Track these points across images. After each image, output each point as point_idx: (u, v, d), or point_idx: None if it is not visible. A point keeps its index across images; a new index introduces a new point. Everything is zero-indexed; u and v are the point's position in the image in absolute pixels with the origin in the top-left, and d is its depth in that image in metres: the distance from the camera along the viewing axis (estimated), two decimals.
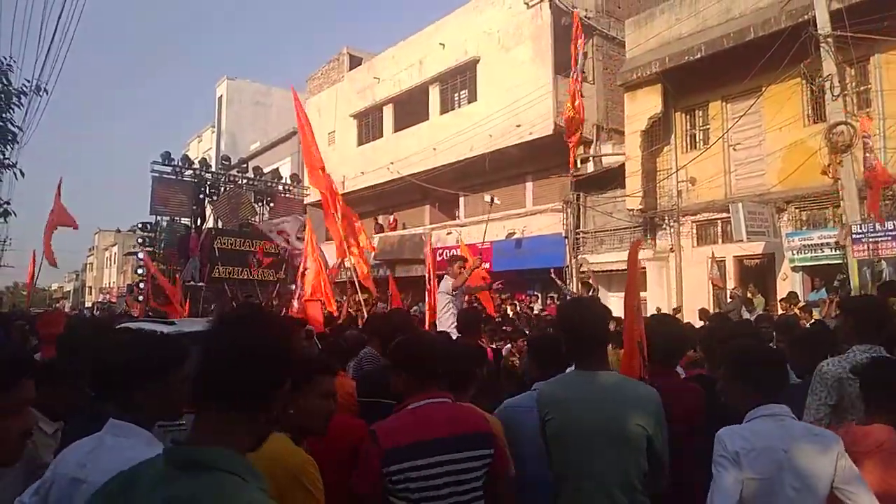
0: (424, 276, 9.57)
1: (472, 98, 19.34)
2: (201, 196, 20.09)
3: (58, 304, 55.62)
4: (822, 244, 11.72)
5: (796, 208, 12.63)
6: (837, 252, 10.92)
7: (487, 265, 12.00)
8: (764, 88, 12.45)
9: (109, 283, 56.40)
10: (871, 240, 9.47)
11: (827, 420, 2.78)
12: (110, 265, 59.45)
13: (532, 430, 2.52)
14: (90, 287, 65.37)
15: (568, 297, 14.02)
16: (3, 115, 10.43)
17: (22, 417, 1.42)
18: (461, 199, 20.92)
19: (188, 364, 1.91)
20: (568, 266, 16.46)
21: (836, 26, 9.87)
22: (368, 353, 4.37)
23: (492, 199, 11.78)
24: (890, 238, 9.35)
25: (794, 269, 12.34)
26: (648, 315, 4.61)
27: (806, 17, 10.53)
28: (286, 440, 1.89)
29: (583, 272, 16.21)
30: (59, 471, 1.71)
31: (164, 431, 2.09)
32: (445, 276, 7.10)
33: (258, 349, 1.23)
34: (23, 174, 11.52)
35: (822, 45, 9.77)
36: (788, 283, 12.28)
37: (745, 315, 10.57)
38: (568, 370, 2.71)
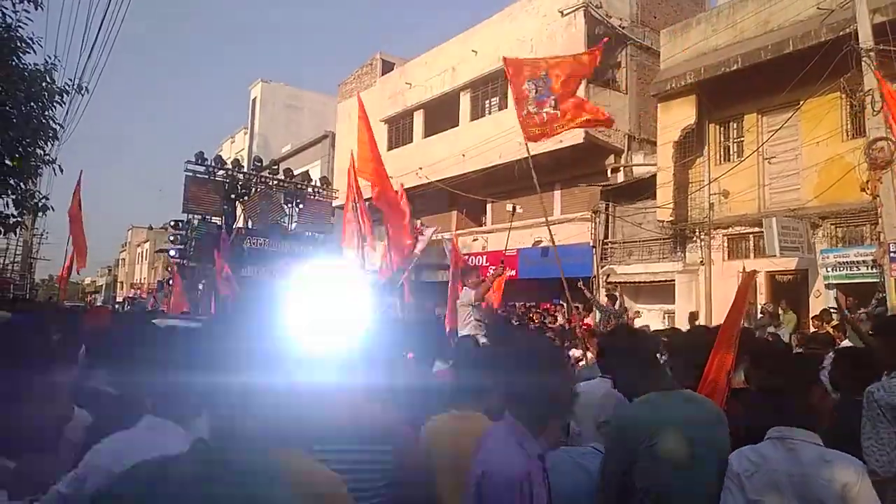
0: (446, 282, 9.61)
1: (503, 105, 19.33)
2: (233, 196, 20.39)
3: (89, 298, 56.90)
4: (858, 262, 11.44)
5: (832, 224, 12.36)
6: (874, 270, 10.65)
7: (513, 272, 11.97)
8: (802, 102, 12.23)
9: (140, 279, 57.47)
10: None
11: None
12: (142, 261, 60.60)
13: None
14: (122, 282, 66.72)
15: (596, 308, 13.91)
16: (45, 113, 10.68)
17: (54, 406, 1.45)
18: (488, 206, 20.91)
19: None
20: (595, 276, 16.33)
21: (878, 40, 9.66)
22: None
23: (514, 209, 11.81)
24: None
25: (829, 286, 12.07)
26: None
27: (847, 30, 10.33)
28: (308, 461, 1.86)
29: (609, 283, 16.06)
30: (94, 463, 1.74)
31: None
32: (466, 287, 7.15)
33: None
34: (62, 170, 11.79)
35: (863, 59, 9.56)
36: (822, 300, 12.01)
37: (772, 330, 10.38)
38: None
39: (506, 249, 12.25)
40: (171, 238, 19.99)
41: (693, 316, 12.91)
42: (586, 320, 13.39)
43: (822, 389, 2.27)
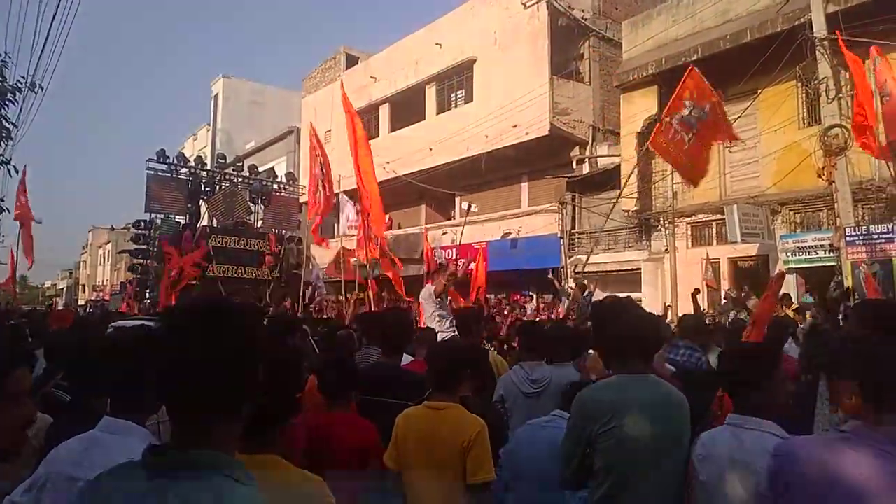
0: (420, 276, 9.67)
1: (469, 98, 19.36)
2: (197, 194, 20.03)
3: (51, 302, 55.38)
4: (816, 246, 11.76)
5: (790, 210, 12.68)
6: (831, 254, 10.96)
7: (472, 266, 12.03)
8: (760, 91, 12.47)
9: (103, 281, 56.14)
10: (864, 242, 9.51)
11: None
12: (104, 263, 59.18)
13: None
14: (83, 285, 65.09)
15: (564, 299, 14.03)
16: None
17: (19, 407, 1.41)
18: (457, 199, 20.92)
19: None
20: (563, 266, 16.48)
21: (831, 30, 9.90)
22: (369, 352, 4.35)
23: (468, 207, 12.00)
24: (884, 241, 9.40)
25: (788, 270, 12.37)
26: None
27: (802, 20, 10.58)
28: (289, 465, 1.84)
29: (577, 273, 16.21)
30: (54, 469, 1.68)
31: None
32: (427, 283, 7.25)
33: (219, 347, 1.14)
34: (17, 170, 11.46)
35: (817, 48, 9.79)
36: (782, 284, 12.30)
37: (737, 315, 10.61)
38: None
39: (459, 244, 12.24)
40: (133, 238, 19.56)
41: (666, 308, 13.10)
42: (557, 310, 13.50)
43: (781, 376, 2.31)
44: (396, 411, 2.87)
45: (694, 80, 8.84)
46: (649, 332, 2.56)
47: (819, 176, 10.51)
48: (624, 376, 2.44)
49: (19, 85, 10.60)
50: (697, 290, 10.84)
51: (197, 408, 1.13)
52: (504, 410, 3.68)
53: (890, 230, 9.91)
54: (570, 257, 16.65)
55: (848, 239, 9.52)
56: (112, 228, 56.91)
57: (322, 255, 22.14)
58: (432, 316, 6.62)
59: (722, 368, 2.50)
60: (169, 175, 19.41)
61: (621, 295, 14.12)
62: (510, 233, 17.82)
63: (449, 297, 7.48)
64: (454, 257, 17.28)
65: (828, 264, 11.14)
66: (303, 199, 22.20)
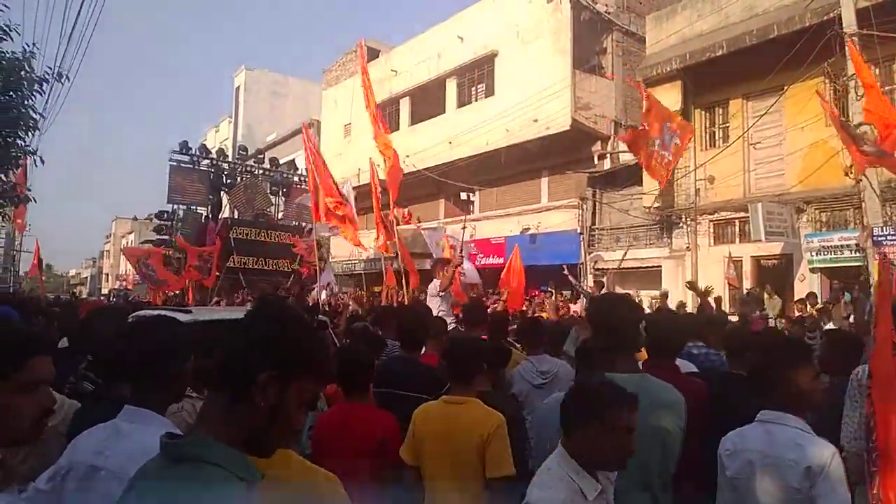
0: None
1: (490, 92, 19.26)
2: (218, 186, 20.23)
3: (75, 290, 56.35)
4: (841, 246, 11.55)
5: (816, 209, 12.45)
6: (857, 254, 10.76)
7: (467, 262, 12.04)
8: (786, 87, 12.26)
9: (126, 271, 56.97)
10: (892, 242, 9.32)
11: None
12: None
13: None
14: (107, 274, 66.11)
15: (582, 295, 13.95)
16: (25, 103, 10.49)
17: (38, 396, 1.42)
18: (476, 194, 20.87)
19: (191, 350, 1.93)
20: (583, 263, 16.38)
21: (861, 25, 9.70)
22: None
23: (468, 197, 12.13)
24: None
25: (813, 270, 12.18)
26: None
27: (831, 14, 10.37)
28: (310, 465, 1.84)
29: (598, 269, 16.12)
30: (76, 458, 1.71)
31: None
32: (434, 279, 7.22)
33: (239, 334, 1.21)
34: (42, 161, 11.61)
35: (847, 44, 9.60)
36: (806, 284, 12.12)
37: (757, 315, 10.46)
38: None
39: (462, 241, 12.12)
40: (156, 229, 19.82)
41: (680, 306, 12.98)
42: (573, 307, 13.42)
43: (813, 372, 2.29)
44: (414, 404, 2.87)
45: (652, 103, 9.28)
46: (639, 331, 2.56)
47: (846, 174, 10.35)
48: (614, 374, 2.41)
49: (46, 76, 10.73)
50: (710, 290, 10.70)
51: (211, 387, 1.19)
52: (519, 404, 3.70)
53: None
54: (589, 253, 16.53)
55: (875, 238, 9.34)
56: (135, 219, 57.75)
57: (338, 246, 22.24)
58: (436, 311, 6.60)
59: (753, 364, 2.49)
60: (191, 166, 19.63)
61: (642, 293, 14.02)
62: (529, 228, 17.72)
63: (452, 295, 7.49)
64: (473, 251, 17.27)
65: (854, 264, 10.95)
66: None
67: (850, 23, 9.65)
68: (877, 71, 11.36)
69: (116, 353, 2.01)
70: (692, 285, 9.81)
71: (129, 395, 2.38)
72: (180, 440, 1.17)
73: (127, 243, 59.65)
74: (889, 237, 9.30)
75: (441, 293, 6.71)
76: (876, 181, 9.62)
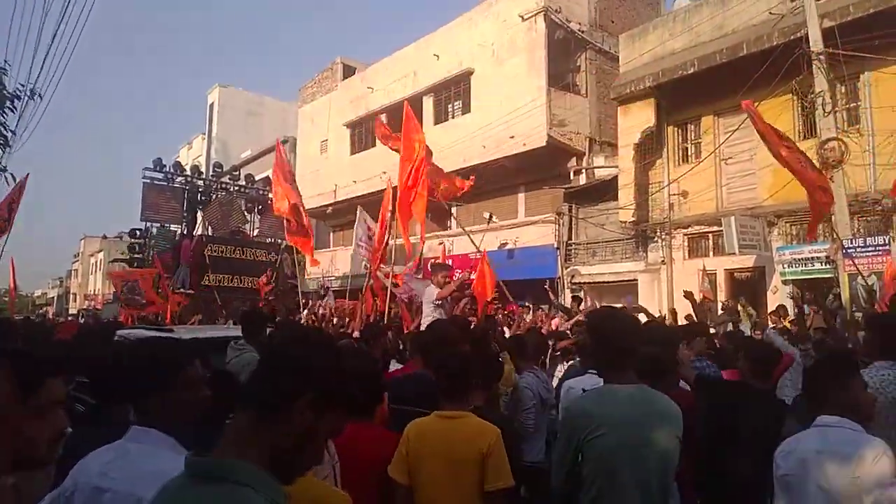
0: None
1: (466, 109, 19.42)
2: (192, 203, 19.98)
3: (41, 311, 54.94)
4: (812, 258, 11.83)
5: (787, 222, 12.76)
6: (828, 266, 11.02)
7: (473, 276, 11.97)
8: (756, 104, 12.55)
9: (94, 290, 55.79)
10: (861, 254, 9.58)
11: None
12: (95, 272, 58.82)
13: None
14: (74, 293, 64.62)
15: (559, 310, 14.02)
16: None
17: (52, 418, 1.39)
18: (454, 210, 20.92)
19: (195, 368, 1.91)
20: (560, 277, 16.50)
21: (827, 44, 10.01)
22: None
23: (490, 217, 11.99)
24: (880, 252, 9.46)
25: (785, 282, 12.45)
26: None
27: (799, 34, 10.68)
28: (322, 484, 1.82)
29: (575, 283, 16.25)
30: (81, 479, 1.67)
31: None
32: (431, 285, 7.13)
33: (281, 356, 1.22)
34: (14, 178, 11.36)
35: (814, 62, 9.89)
36: (778, 296, 12.37)
37: (735, 327, 10.62)
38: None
39: (476, 252, 12.20)
40: (129, 247, 19.46)
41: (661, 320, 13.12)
42: (553, 321, 13.46)
43: (861, 383, 2.40)
44: None
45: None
46: (638, 342, 2.59)
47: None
48: (613, 386, 2.48)
49: (18, 93, 10.55)
50: (691, 293, 10.85)
51: (241, 407, 1.18)
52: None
53: (886, 242, 10.00)
54: (566, 268, 16.67)
55: (845, 251, 9.57)
56: (104, 237, 56.68)
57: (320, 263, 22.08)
58: (429, 316, 6.57)
59: (810, 374, 2.61)
60: (165, 184, 19.36)
61: (618, 307, 14.16)
62: (507, 243, 17.82)
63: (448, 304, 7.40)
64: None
65: (824, 276, 11.21)
66: None
67: (816, 41, 9.96)
68: (843, 88, 11.76)
69: (116, 375, 1.99)
70: (687, 295, 9.97)
71: (124, 417, 2.36)
72: (208, 458, 1.15)
73: (96, 262, 58.50)
74: (858, 249, 9.55)
75: (437, 301, 6.67)
76: (844, 194, 9.88)
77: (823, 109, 9.94)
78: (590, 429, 2.38)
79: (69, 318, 30.77)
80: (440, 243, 20.02)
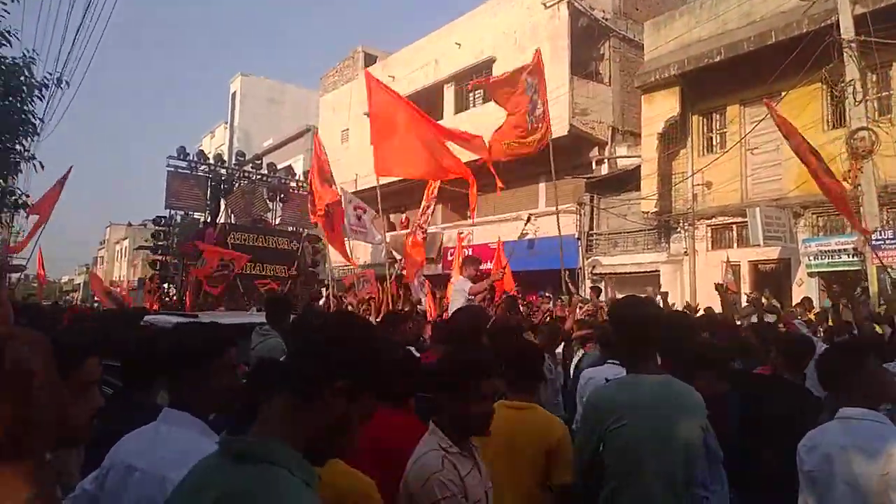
0: (436, 276, 9.65)
1: (487, 98, 19.31)
2: (215, 191, 20.17)
3: (68, 297, 56.04)
4: (839, 250, 11.63)
5: (813, 214, 12.54)
6: (855, 259, 10.84)
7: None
8: (784, 93, 12.35)
9: (119, 277, 56.70)
10: (890, 246, 9.39)
11: None
12: (120, 259, 59.78)
13: None
14: (101, 280, 65.68)
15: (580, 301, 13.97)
16: (25, 108, 10.48)
17: (90, 396, 1.43)
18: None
19: (231, 353, 1.93)
20: (581, 268, 16.42)
21: (859, 31, 9.80)
22: None
23: (528, 218, 12.02)
24: None
25: (811, 274, 12.26)
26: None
27: (829, 21, 10.46)
28: (341, 465, 1.83)
29: (595, 274, 16.16)
30: (116, 459, 1.72)
31: None
32: (462, 276, 7.15)
33: (318, 340, 1.23)
34: (42, 166, 11.59)
35: (845, 50, 9.70)
36: (804, 288, 12.19)
37: (755, 320, 10.49)
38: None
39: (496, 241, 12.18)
40: (153, 235, 19.70)
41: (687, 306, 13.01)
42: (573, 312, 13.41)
43: (873, 362, 2.38)
44: None
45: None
46: (659, 332, 2.57)
47: (844, 179, 10.40)
48: (636, 376, 2.48)
49: (46, 81, 10.72)
50: (721, 285, 10.73)
51: (278, 390, 1.19)
52: None
53: None
54: (587, 258, 16.58)
55: (873, 243, 9.41)
56: (129, 224, 57.51)
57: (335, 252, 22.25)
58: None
59: (820, 362, 2.54)
60: (189, 172, 19.53)
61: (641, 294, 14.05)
62: (527, 233, 17.76)
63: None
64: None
65: (851, 268, 11.03)
66: None
67: (847, 29, 9.75)
68: (874, 77, 11.49)
69: (151, 357, 2.02)
70: (718, 287, 9.83)
71: (151, 400, 2.41)
72: (242, 438, 1.17)
73: (121, 249, 59.44)
74: (887, 241, 9.37)
75: (471, 297, 6.65)
76: (873, 185, 9.70)
77: (854, 98, 9.77)
78: (613, 418, 2.39)
79: (82, 304, 31.28)
80: (460, 233, 20.02)
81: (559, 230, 12.22)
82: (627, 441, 2.36)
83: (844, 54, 9.74)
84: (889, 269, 9.53)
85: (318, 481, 1.18)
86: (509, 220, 18.56)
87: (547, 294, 17.63)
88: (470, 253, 12.11)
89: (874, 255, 9.34)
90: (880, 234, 9.49)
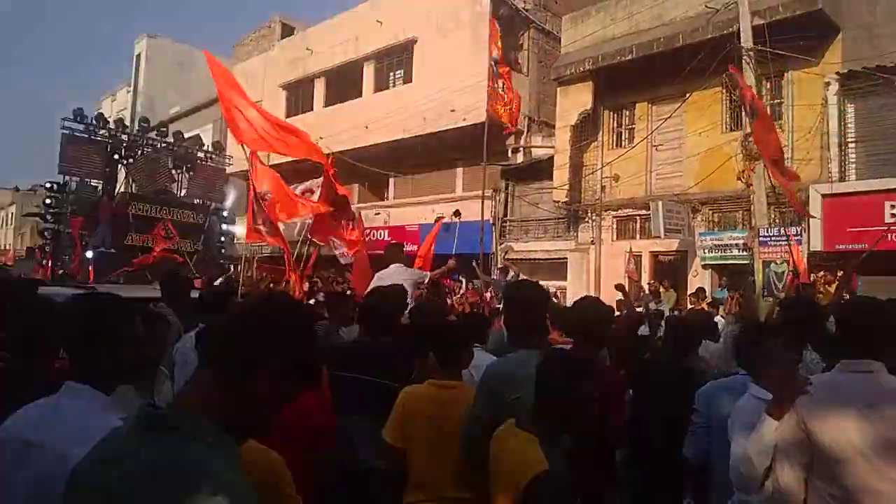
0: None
1: (408, 79, 19.23)
2: (115, 158, 19.02)
3: None
4: (731, 244, 12.50)
5: (710, 209, 13.38)
6: (745, 253, 11.67)
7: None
8: (688, 94, 13.04)
9: (5, 246, 52.48)
10: (775, 243, 10.16)
11: None
12: (6, 226, 55.29)
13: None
14: None
15: (490, 284, 14.29)
16: None
17: None
18: (391, 181, 20.81)
19: (138, 324, 1.87)
20: (494, 252, 16.76)
21: (757, 41, 10.47)
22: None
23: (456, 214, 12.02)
24: (795, 242, 10.06)
25: (705, 266, 13.11)
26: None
27: (731, 29, 11.11)
28: (260, 446, 1.83)
29: (508, 259, 16.53)
30: (9, 433, 1.63)
31: None
32: (395, 264, 6.97)
33: (252, 321, 1.21)
34: None
35: (744, 58, 10.33)
36: (699, 279, 13.02)
37: (653, 307, 11.12)
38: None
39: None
40: (47, 201, 18.37)
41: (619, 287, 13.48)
42: (486, 296, 13.72)
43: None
44: (382, 390, 2.96)
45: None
46: (542, 311, 2.87)
47: (738, 179, 11.15)
48: (524, 351, 2.66)
49: None
50: (621, 285, 11.25)
51: (206, 364, 1.18)
52: None
53: (798, 233, 10.66)
54: (500, 244, 16.94)
55: (761, 239, 10.15)
56: (17, 190, 53.29)
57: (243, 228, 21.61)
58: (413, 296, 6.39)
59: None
60: (86, 136, 18.32)
61: (548, 284, 14.50)
62: (443, 217, 17.89)
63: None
64: (386, 238, 17.19)
65: (741, 262, 11.87)
66: (230, 169, 21.48)
67: (746, 38, 10.40)
68: (768, 85, 12.34)
69: (47, 329, 1.92)
70: (619, 287, 10.30)
71: (44, 372, 2.28)
72: (161, 409, 1.14)
73: (6, 216, 54.94)
74: (773, 238, 10.12)
75: (421, 285, 6.48)
76: (763, 186, 10.44)
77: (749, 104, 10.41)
78: (515, 389, 2.49)
79: None
80: (377, 213, 19.92)
81: (483, 215, 12.19)
82: (525, 411, 2.43)
83: (743, 62, 10.38)
84: (773, 264, 10.33)
85: (239, 457, 1.17)
86: (427, 203, 18.63)
87: (459, 278, 17.90)
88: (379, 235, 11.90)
89: (761, 251, 10.10)
90: (767, 231, 10.24)
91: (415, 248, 15.27)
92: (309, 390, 2.56)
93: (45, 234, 18.14)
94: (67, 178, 18.35)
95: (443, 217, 17.72)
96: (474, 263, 15.50)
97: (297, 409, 2.48)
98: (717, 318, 9.09)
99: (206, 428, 1.10)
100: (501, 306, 6.93)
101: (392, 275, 6.05)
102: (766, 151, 8.42)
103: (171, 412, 1.13)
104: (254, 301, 1.26)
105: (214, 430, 1.10)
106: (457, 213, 17.17)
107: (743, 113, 10.85)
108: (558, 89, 15.71)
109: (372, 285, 6.14)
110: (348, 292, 8.83)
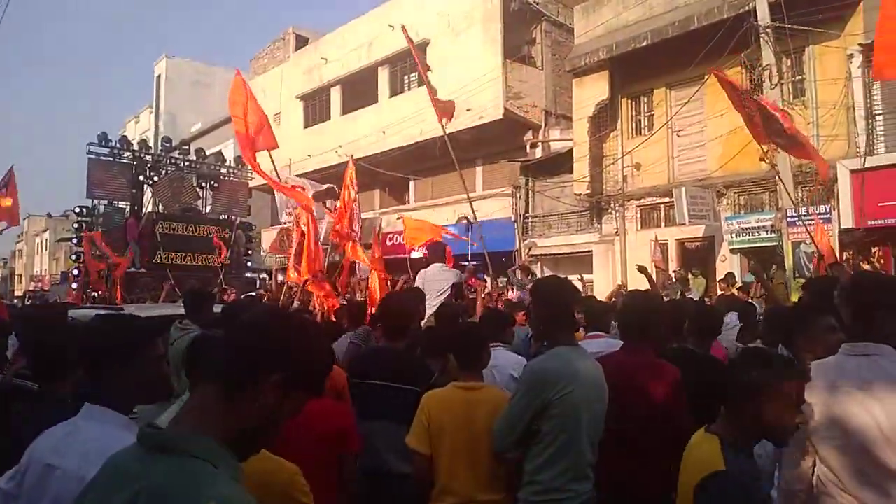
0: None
1: (422, 81, 19.21)
2: (141, 179, 19.39)
3: None
4: (758, 227, 12.25)
5: (735, 193, 13.13)
6: (773, 235, 11.43)
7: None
8: (706, 76, 12.79)
9: (41, 271, 53.89)
10: (804, 223, 9.93)
11: None
12: (41, 252, 56.77)
13: None
14: (20, 275, 62.30)
15: (515, 284, 14.19)
16: None
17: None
18: (411, 184, 20.85)
19: (158, 344, 1.88)
20: (517, 250, 16.67)
21: (774, 17, 10.25)
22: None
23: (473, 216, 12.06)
24: (823, 221, 9.84)
25: (733, 251, 12.86)
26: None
27: (747, 7, 10.89)
28: (272, 457, 1.82)
29: (532, 256, 16.44)
30: (34, 456, 1.66)
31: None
32: (438, 264, 6.91)
33: (254, 332, 1.19)
34: None
35: (762, 36, 10.13)
36: (727, 264, 12.78)
37: (685, 295, 10.94)
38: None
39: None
40: (76, 226, 18.80)
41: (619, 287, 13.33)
42: (509, 294, 13.64)
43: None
44: (405, 396, 2.97)
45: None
46: (571, 307, 2.80)
47: (762, 160, 10.92)
48: (565, 348, 2.62)
49: None
50: (644, 267, 11.06)
51: (205, 379, 1.17)
52: None
53: (828, 211, 10.41)
54: (523, 240, 16.85)
55: (789, 219, 9.93)
56: (49, 216, 54.68)
57: (268, 240, 21.83)
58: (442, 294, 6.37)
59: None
60: (111, 159, 18.71)
61: (574, 277, 14.41)
62: (465, 217, 17.86)
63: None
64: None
65: (769, 244, 11.63)
66: (252, 182, 21.74)
67: (763, 15, 10.18)
68: (788, 62, 12.07)
69: (71, 352, 1.94)
70: (642, 269, 10.12)
71: (67, 394, 2.32)
72: (164, 430, 1.13)
73: (41, 242, 56.42)
74: (801, 218, 9.90)
75: (449, 290, 6.46)
76: (788, 165, 10.21)
77: (770, 82, 10.21)
78: (559, 387, 2.49)
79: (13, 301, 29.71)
80: (399, 217, 19.94)
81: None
82: (571, 408, 2.49)
83: (761, 40, 10.17)
84: (803, 244, 10.11)
85: (243, 475, 1.15)
86: (447, 205, 18.62)
87: (484, 277, 17.83)
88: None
89: (790, 232, 9.88)
90: (794, 212, 10.02)
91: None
92: (316, 398, 2.58)
93: (77, 257, 18.53)
94: (96, 201, 18.75)
95: (464, 217, 17.73)
96: (488, 261, 15.24)
97: (316, 413, 2.49)
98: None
99: (208, 447, 1.08)
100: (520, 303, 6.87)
101: (434, 274, 6.27)
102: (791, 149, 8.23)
103: (172, 432, 1.11)
104: (257, 313, 1.25)
105: (217, 449, 1.09)
106: (463, 219, 17.11)
107: (764, 91, 10.64)
108: (574, 81, 15.57)
109: (416, 283, 6.30)
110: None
